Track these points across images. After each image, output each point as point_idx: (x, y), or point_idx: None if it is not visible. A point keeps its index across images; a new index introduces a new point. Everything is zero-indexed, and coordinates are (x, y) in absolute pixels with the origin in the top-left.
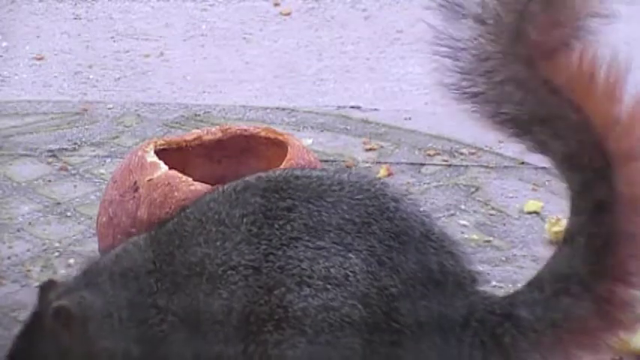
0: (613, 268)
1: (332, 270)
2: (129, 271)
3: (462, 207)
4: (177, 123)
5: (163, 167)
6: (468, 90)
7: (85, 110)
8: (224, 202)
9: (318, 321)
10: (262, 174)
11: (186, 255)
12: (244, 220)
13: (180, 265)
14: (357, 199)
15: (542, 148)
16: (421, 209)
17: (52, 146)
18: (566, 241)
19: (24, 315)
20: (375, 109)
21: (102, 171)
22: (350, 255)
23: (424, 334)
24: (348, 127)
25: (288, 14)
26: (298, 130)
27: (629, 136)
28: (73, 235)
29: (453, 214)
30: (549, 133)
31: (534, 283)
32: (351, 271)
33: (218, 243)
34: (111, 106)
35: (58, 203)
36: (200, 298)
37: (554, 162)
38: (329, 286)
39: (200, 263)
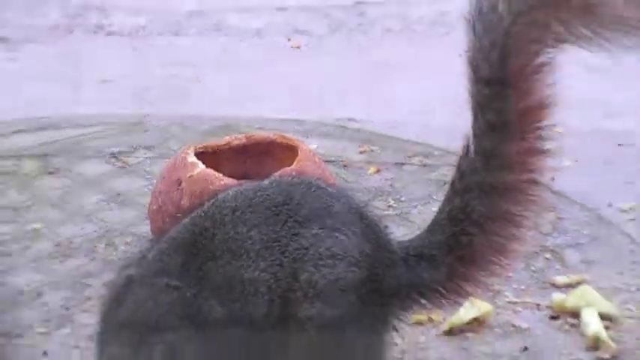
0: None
1: (333, 249)
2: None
3: (435, 197)
4: (211, 132)
5: (201, 166)
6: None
7: (140, 122)
8: (234, 223)
9: (335, 290)
10: (244, 193)
11: (225, 268)
12: (253, 232)
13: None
14: (315, 192)
15: None
16: (355, 195)
17: (114, 149)
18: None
19: (92, 281)
20: (367, 121)
21: (153, 169)
22: (336, 234)
23: (383, 277)
24: (346, 135)
25: (298, 47)
26: (306, 137)
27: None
28: (130, 219)
29: (427, 203)
30: None
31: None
32: (344, 246)
33: (245, 256)
34: (161, 118)
35: (119, 194)
36: (248, 291)
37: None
38: (337, 262)
39: (237, 275)
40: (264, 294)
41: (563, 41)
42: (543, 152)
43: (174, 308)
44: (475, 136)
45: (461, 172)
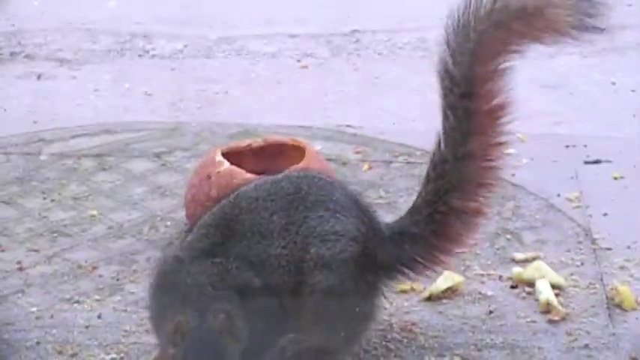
0: (467, 185)
1: (335, 228)
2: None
3: (416, 189)
4: (235, 136)
5: (227, 164)
6: None
7: (177, 128)
8: (257, 210)
9: (338, 261)
10: (263, 185)
11: (256, 246)
12: (274, 217)
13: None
14: (319, 183)
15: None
16: (351, 188)
17: (156, 150)
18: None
19: (138, 258)
20: (361, 127)
21: (188, 166)
22: (338, 215)
23: (374, 251)
24: (344, 138)
25: (306, 67)
26: (312, 140)
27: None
28: (169, 207)
29: (410, 194)
30: None
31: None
32: (345, 225)
33: (269, 236)
34: (194, 124)
35: (160, 186)
36: (273, 263)
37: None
38: (338, 239)
39: (265, 251)
40: (285, 265)
41: (521, 45)
42: (501, 144)
43: (221, 280)
44: (445, 132)
45: (434, 164)
